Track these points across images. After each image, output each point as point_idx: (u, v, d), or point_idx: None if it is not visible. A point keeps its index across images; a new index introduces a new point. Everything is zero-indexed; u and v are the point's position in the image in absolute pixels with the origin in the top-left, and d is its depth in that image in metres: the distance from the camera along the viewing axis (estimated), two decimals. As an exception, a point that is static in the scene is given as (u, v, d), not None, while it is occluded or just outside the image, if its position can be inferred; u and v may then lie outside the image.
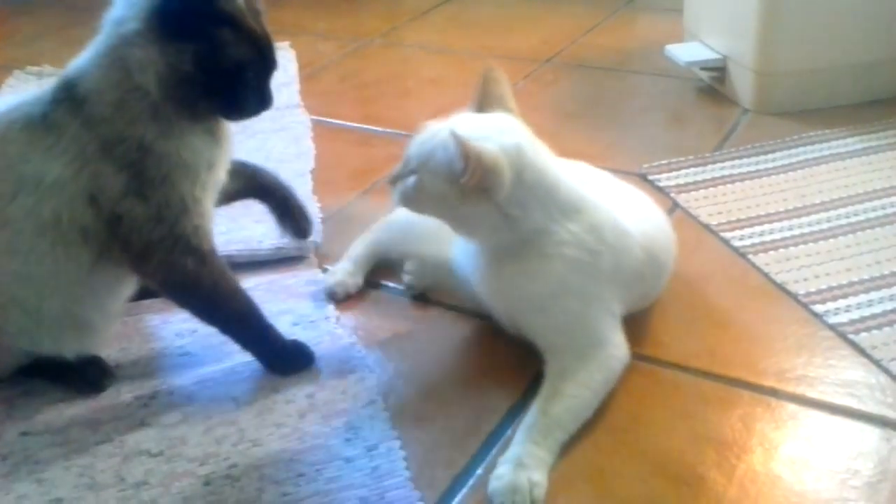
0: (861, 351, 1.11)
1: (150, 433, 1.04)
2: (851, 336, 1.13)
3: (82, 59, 1.02)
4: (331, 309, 1.25)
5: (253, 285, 1.25)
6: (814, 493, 0.92)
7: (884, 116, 1.69)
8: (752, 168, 1.54)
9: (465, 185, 0.97)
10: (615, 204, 1.10)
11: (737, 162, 1.56)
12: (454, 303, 1.24)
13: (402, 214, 1.20)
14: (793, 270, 1.26)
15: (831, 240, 1.32)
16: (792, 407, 1.04)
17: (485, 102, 1.07)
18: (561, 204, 1.03)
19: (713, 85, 1.87)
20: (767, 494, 0.92)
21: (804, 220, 1.38)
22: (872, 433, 0.99)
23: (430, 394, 1.10)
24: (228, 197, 1.16)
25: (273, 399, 1.08)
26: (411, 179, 1.03)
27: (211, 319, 1.11)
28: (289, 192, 1.28)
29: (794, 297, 1.21)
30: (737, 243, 1.33)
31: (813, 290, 1.22)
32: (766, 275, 1.26)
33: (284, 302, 1.26)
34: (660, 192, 1.48)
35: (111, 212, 1.01)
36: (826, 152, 1.58)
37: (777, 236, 1.34)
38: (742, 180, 1.50)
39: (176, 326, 1.21)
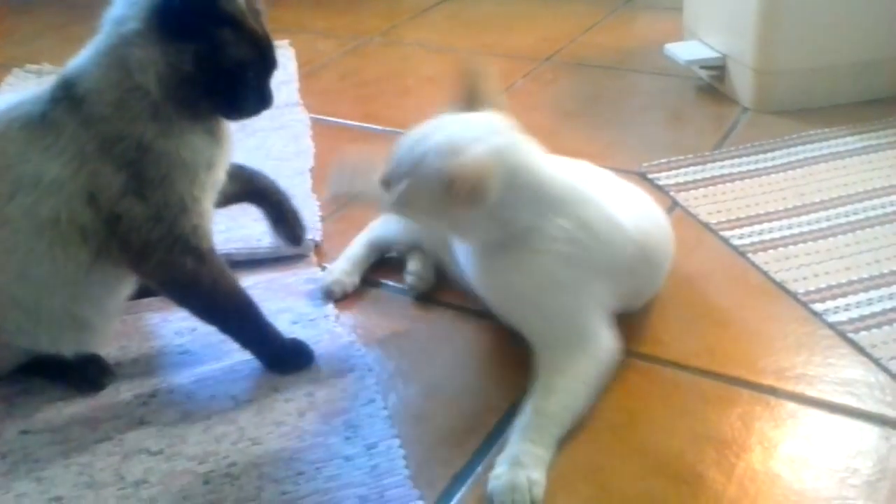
0: (860, 349, 1.11)
1: (149, 431, 1.04)
2: (851, 335, 1.13)
3: (82, 57, 1.02)
4: (330, 307, 1.25)
5: (252, 284, 1.25)
6: (813, 492, 0.92)
7: (883, 115, 1.69)
8: (752, 167, 1.54)
9: (456, 196, 0.96)
10: (611, 200, 1.09)
11: (736, 161, 1.56)
12: (454, 302, 1.24)
13: None
14: (792, 269, 1.26)
15: (831, 238, 1.32)
16: (791, 405, 1.04)
17: (472, 100, 1.06)
18: (551, 200, 1.03)
19: (713, 84, 1.87)
20: (767, 493, 0.92)
21: (804, 218, 1.38)
22: (872, 432, 0.99)
23: (429, 393, 1.09)
24: (225, 199, 1.15)
25: (272, 397, 1.08)
26: (403, 183, 1.01)
27: (210, 318, 1.11)
28: (284, 197, 1.26)
29: (793, 295, 1.21)
30: (736, 242, 1.33)
31: (812, 288, 1.22)
32: (765, 273, 1.26)
33: (284, 300, 1.26)
34: (659, 190, 1.48)
35: (110, 211, 1.01)
36: (825, 151, 1.58)
37: (776, 235, 1.34)
38: (741, 179, 1.50)
39: (175, 325, 1.21)
